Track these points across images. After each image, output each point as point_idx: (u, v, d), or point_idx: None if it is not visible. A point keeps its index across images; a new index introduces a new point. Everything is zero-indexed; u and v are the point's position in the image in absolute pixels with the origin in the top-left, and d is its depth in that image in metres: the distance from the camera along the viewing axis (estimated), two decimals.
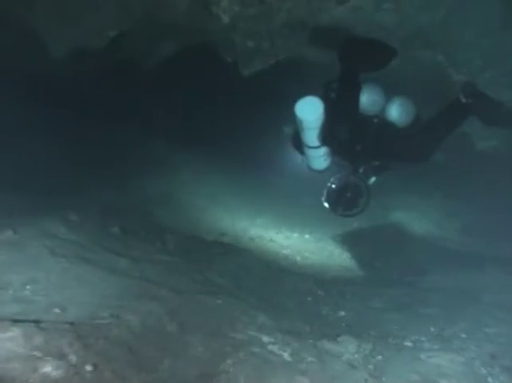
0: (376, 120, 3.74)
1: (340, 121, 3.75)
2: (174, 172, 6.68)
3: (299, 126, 3.81)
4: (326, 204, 4.13)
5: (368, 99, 3.69)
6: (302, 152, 4.07)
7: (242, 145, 7.65)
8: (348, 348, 2.48)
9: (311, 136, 3.81)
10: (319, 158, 3.98)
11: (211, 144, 7.80)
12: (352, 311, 3.30)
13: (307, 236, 5.75)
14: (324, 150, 3.89)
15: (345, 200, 4.07)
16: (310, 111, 3.70)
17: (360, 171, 3.97)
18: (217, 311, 2.51)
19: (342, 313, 3.23)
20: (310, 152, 3.95)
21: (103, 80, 6.79)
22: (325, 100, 3.73)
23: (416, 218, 6.74)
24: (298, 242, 5.49)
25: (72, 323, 1.97)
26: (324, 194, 4.13)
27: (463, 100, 3.55)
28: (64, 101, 6.56)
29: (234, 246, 4.32)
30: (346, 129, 3.76)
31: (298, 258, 4.65)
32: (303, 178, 5.44)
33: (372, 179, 4.03)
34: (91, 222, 3.73)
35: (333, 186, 4.12)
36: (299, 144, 3.98)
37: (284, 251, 4.90)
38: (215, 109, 8.14)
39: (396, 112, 3.69)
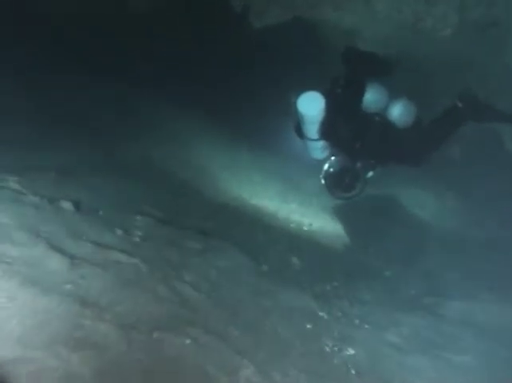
0: (377, 119, 3.83)
1: (341, 118, 3.85)
2: (161, 135, 5.78)
3: (300, 119, 3.89)
4: (323, 181, 4.27)
5: (371, 97, 3.76)
6: (302, 137, 4.12)
7: (244, 114, 6.74)
8: None
9: (311, 130, 3.90)
10: (318, 149, 4.09)
11: (209, 108, 6.89)
12: (363, 348, 2.51)
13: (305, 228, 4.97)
14: (323, 143, 4.00)
15: (343, 184, 4.19)
16: (311, 106, 3.77)
17: (358, 165, 4.09)
18: (180, 365, 1.67)
19: (351, 352, 2.45)
20: (310, 143, 4.05)
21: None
22: (330, 94, 3.79)
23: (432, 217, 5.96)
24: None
25: None
26: (323, 174, 4.25)
27: (460, 105, 3.71)
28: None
29: (219, 237, 3.47)
30: (347, 126, 3.90)
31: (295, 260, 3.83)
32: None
33: (370, 174, 4.13)
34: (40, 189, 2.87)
35: (331, 170, 4.24)
36: (299, 131, 4.06)
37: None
38: (216, 69, 7.18)
39: (398, 112, 3.76)
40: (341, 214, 5.50)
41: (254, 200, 5.40)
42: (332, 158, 4.24)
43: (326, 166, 4.32)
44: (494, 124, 4.26)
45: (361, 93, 3.81)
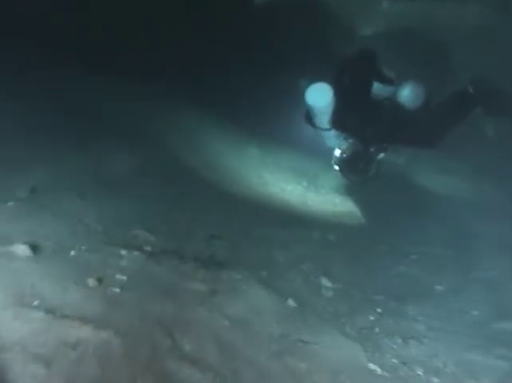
0: (386, 103, 3.87)
1: (351, 107, 3.88)
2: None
3: (310, 110, 3.93)
4: (336, 167, 4.29)
5: (379, 84, 3.84)
6: (314, 127, 4.13)
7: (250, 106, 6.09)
8: None
9: (321, 120, 3.95)
10: (330, 138, 4.15)
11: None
12: None
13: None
14: (334, 131, 4.07)
15: (357, 168, 4.25)
16: (320, 97, 3.80)
17: (371, 149, 4.18)
18: None
19: None
20: (322, 133, 4.11)
21: None
22: (337, 83, 3.82)
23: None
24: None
25: None
26: (335, 160, 4.26)
27: (471, 91, 3.78)
28: None
29: (230, 262, 2.76)
30: (357, 114, 3.94)
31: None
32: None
33: (381, 155, 4.24)
34: None
35: (344, 155, 4.22)
36: (311, 121, 4.07)
37: None
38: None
39: (407, 94, 3.80)
40: (373, 211, 4.77)
41: (267, 196, 4.70)
42: (344, 143, 4.24)
43: (338, 152, 4.31)
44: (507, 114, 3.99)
45: (370, 83, 3.84)
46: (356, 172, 4.40)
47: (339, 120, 4.00)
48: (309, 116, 4.16)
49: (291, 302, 2.51)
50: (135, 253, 2.43)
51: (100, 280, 1.97)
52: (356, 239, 4.02)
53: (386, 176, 6.28)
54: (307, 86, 3.93)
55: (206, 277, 2.36)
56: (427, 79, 6.07)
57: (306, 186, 5.28)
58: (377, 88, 3.90)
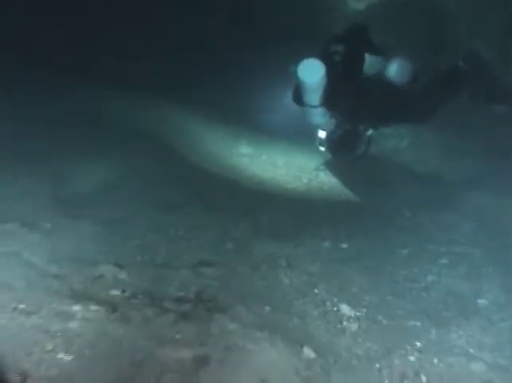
0: (375, 80, 3.83)
1: (342, 85, 3.81)
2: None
3: (301, 87, 3.84)
4: (322, 148, 4.25)
5: (369, 62, 3.79)
6: (302, 105, 4.07)
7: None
8: None
9: (312, 97, 3.87)
10: (318, 115, 4.05)
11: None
12: None
13: None
14: (322, 109, 3.98)
15: (347, 146, 4.20)
16: (312, 73, 3.72)
17: (361, 127, 4.16)
18: None
19: None
20: (310, 110, 4.01)
21: None
22: (328, 62, 3.72)
23: None
24: None
25: None
26: (320, 140, 4.20)
27: (462, 66, 3.80)
28: None
29: (224, 305, 2.13)
30: (348, 92, 3.87)
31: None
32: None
33: (370, 132, 4.19)
34: None
35: (331, 135, 4.17)
36: (299, 99, 4.01)
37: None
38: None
39: (394, 70, 3.78)
40: (383, 205, 4.14)
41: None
42: (330, 123, 4.21)
43: (323, 134, 4.26)
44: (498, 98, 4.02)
45: (361, 62, 3.80)
46: (345, 151, 4.37)
47: (330, 98, 3.91)
48: (297, 94, 4.09)
49: (307, 352, 1.89)
50: (93, 308, 1.79)
51: (24, 374, 1.32)
52: (372, 243, 3.40)
53: (385, 160, 5.74)
54: (297, 65, 3.79)
55: (191, 334, 1.72)
56: (423, 52, 5.53)
57: (307, 183, 4.65)
58: (368, 63, 3.85)
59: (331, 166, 5.11)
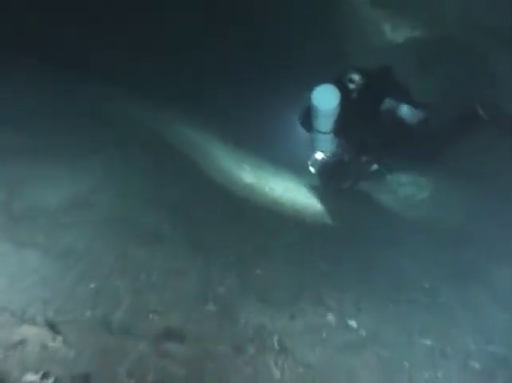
0: (387, 116, 3.86)
1: (354, 118, 3.81)
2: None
3: (313, 111, 3.77)
4: (312, 169, 4.39)
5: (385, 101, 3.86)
6: (309, 130, 4.08)
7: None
8: None
9: (323, 123, 3.82)
10: (326, 141, 4.03)
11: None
12: None
13: None
14: (332, 136, 3.95)
15: (335, 174, 4.32)
16: (327, 100, 3.62)
17: (364, 159, 4.19)
18: None
19: None
20: (318, 136, 3.97)
21: None
22: (342, 88, 3.68)
23: None
24: None
25: None
26: (314, 162, 4.31)
27: (481, 113, 3.68)
28: None
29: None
30: (361, 124, 3.91)
31: None
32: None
33: (374, 167, 4.25)
34: None
35: (327, 158, 4.25)
36: (308, 123, 3.98)
37: None
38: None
39: (408, 109, 3.79)
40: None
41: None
42: (334, 149, 4.15)
43: (320, 155, 4.21)
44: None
45: (379, 99, 3.76)
46: (332, 180, 4.38)
47: (341, 126, 3.85)
48: (305, 119, 4.02)
49: None
50: None
51: None
52: (386, 323, 2.77)
53: (400, 211, 5.15)
54: (312, 90, 3.73)
55: None
56: (446, 93, 5.08)
57: (310, 227, 4.03)
58: (387, 103, 3.85)
59: (338, 213, 4.53)
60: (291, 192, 4.69)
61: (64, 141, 3.35)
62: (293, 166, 5.74)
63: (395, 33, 5.62)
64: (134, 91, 5.33)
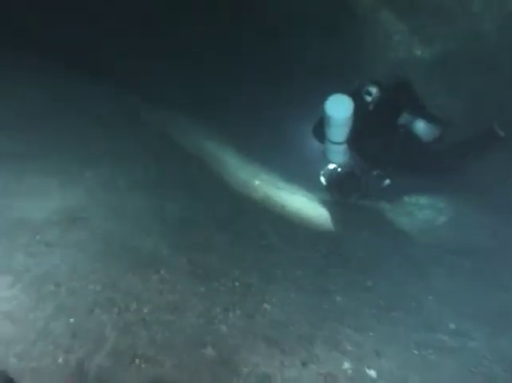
0: (402, 130, 3.78)
1: (372, 132, 3.78)
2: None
3: (326, 121, 3.70)
4: (323, 179, 4.35)
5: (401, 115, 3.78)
6: (321, 141, 4.01)
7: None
8: None
9: (336, 133, 3.75)
10: (338, 153, 3.97)
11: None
12: None
13: None
14: (345, 147, 3.89)
15: (343, 188, 4.29)
16: (341, 110, 3.55)
17: (375, 173, 4.16)
18: None
19: None
20: (331, 146, 3.90)
21: None
22: (357, 99, 3.60)
23: None
24: None
25: None
26: (326, 173, 4.31)
27: (500, 133, 3.62)
28: None
29: None
30: (374, 136, 3.83)
31: None
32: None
33: (386, 182, 4.20)
34: None
35: (339, 169, 4.27)
36: (320, 134, 3.93)
37: None
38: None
39: (423, 126, 3.71)
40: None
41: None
42: (346, 161, 4.10)
43: (332, 166, 4.22)
44: None
45: (395, 113, 3.68)
46: (341, 191, 4.30)
47: (355, 139, 3.78)
48: (318, 129, 3.96)
49: None
50: None
51: None
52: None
53: (419, 236, 4.78)
54: (325, 99, 3.66)
55: None
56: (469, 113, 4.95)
57: (325, 253, 3.68)
58: (403, 118, 3.75)
59: (354, 236, 4.18)
60: (305, 210, 4.36)
61: (56, 147, 3.05)
62: (306, 180, 5.45)
63: (422, 47, 5.31)
64: (135, 95, 5.05)
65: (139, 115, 4.68)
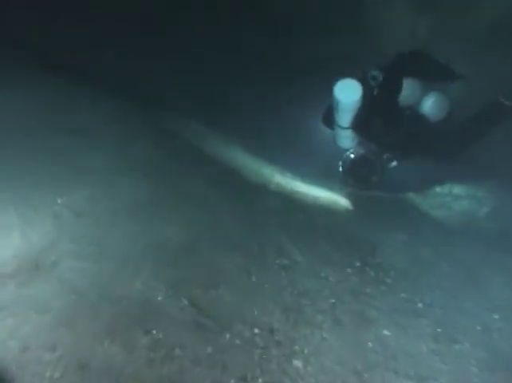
0: (408, 112, 3.75)
1: (376, 111, 3.74)
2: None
3: (335, 105, 3.74)
4: (341, 168, 4.27)
5: (406, 92, 3.65)
6: (332, 128, 4.05)
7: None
8: None
9: (344, 118, 3.78)
10: (347, 138, 4.01)
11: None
12: None
13: None
14: (352, 132, 3.90)
15: (359, 174, 4.21)
16: (349, 94, 3.63)
17: (385, 156, 4.09)
18: None
19: None
20: (340, 132, 3.94)
21: None
22: (365, 86, 3.63)
23: None
24: None
25: None
26: (344, 160, 4.23)
27: (507, 103, 3.54)
28: None
29: None
30: (380, 120, 3.79)
31: None
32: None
33: (393, 164, 4.11)
34: None
35: (352, 156, 4.23)
36: (330, 120, 3.98)
37: None
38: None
39: (430, 105, 3.68)
40: None
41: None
42: (356, 147, 4.16)
43: (352, 155, 4.19)
44: None
45: (399, 91, 3.64)
46: (357, 178, 4.27)
47: (362, 122, 3.81)
48: (328, 115, 4.01)
49: None
50: None
51: None
52: None
53: (461, 231, 4.12)
54: (334, 83, 3.67)
55: None
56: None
57: (350, 273, 3.03)
58: (403, 96, 3.65)
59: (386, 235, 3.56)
60: (328, 212, 3.75)
61: (19, 168, 2.46)
62: (325, 175, 4.89)
63: (432, 37, 4.86)
64: (136, 101, 4.49)
65: (134, 121, 4.13)
